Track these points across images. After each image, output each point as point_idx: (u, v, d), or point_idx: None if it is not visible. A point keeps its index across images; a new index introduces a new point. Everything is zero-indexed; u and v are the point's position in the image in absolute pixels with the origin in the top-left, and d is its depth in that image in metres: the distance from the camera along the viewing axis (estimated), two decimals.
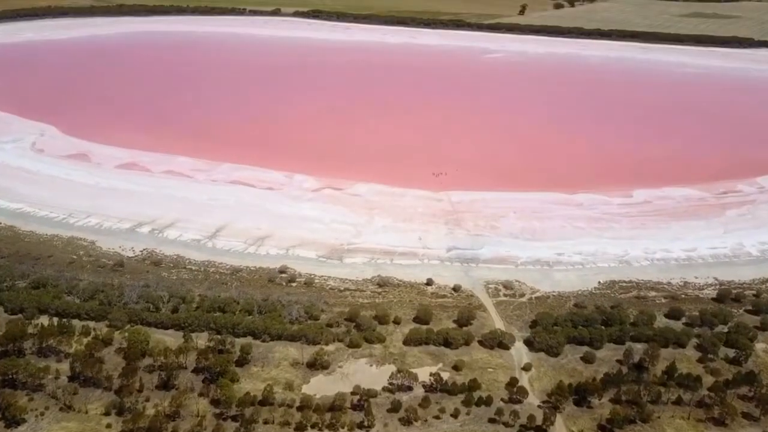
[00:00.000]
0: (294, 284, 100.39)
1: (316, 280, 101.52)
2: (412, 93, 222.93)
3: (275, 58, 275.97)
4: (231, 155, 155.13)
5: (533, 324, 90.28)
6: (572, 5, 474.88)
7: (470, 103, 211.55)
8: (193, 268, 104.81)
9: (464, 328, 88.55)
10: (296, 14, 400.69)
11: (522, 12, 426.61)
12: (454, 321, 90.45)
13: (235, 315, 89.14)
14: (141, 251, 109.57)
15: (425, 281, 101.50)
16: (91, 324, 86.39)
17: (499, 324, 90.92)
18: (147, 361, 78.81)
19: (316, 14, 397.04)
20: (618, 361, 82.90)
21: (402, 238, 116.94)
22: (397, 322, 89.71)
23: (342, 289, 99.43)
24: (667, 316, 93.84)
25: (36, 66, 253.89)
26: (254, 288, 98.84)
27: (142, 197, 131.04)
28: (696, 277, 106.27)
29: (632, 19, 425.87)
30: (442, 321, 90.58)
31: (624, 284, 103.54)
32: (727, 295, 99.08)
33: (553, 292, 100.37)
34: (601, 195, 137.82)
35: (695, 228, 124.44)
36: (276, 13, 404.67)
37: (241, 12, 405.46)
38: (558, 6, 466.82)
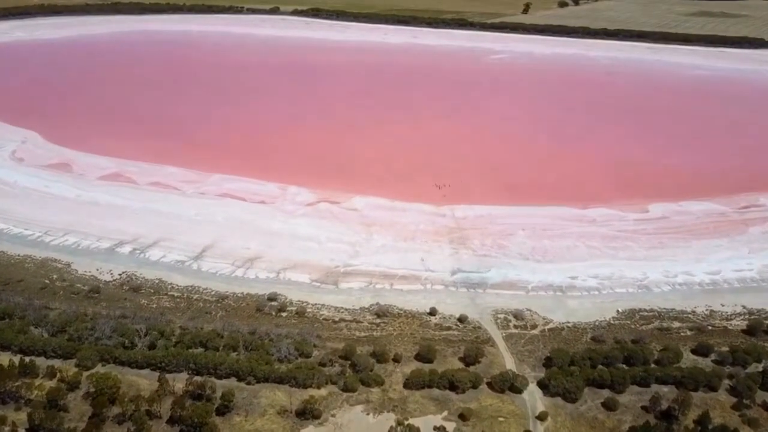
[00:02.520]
0: (284, 314, 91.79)
1: (309, 309, 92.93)
2: (414, 97, 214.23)
3: (271, 59, 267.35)
4: (222, 165, 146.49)
5: (547, 362, 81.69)
6: (577, 3, 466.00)
7: (475, 108, 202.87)
8: (176, 294, 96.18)
9: (471, 368, 79.97)
10: (295, 13, 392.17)
11: (526, 11, 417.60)
12: (461, 358, 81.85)
13: (218, 352, 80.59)
14: (120, 275, 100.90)
15: (428, 310, 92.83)
16: (58, 363, 77.95)
17: (509, 362, 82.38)
18: (116, 409, 70.23)
19: (315, 13, 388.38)
20: (643, 407, 74.35)
21: (403, 259, 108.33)
22: (397, 360, 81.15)
23: (337, 319, 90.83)
24: (694, 352, 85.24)
25: (24, 67, 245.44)
26: (241, 318, 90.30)
27: (124, 212, 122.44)
28: (722, 305, 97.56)
29: (638, 18, 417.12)
30: (447, 359, 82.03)
31: (645, 313, 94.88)
32: (758, 327, 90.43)
33: (568, 322, 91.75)
34: (615, 210, 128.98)
35: (718, 247, 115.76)
36: (274, 11, 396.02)
37: (238, 10, 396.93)
38: (562, 4, 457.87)
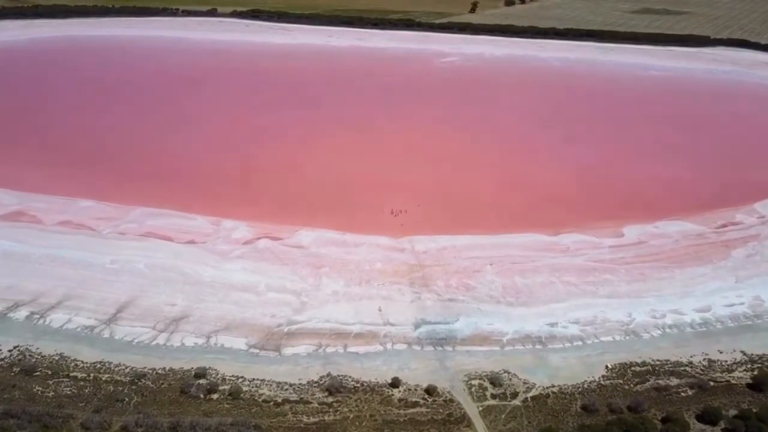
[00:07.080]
0: (215, 396, 75.27)
1: (245, 387, 76.65)
2: (362, 108, 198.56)
3: (206, 66, 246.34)
4: (146, 195, 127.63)
5: None
6: (523, 2, 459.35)
7: (427, 119, 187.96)
8: (80, 375, 78.14)
9: None
10: (234, 14, 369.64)
11: (473, 10, 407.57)
12: None
13: None
14: (10, 351, 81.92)
15: (390, 381, 78.07)
16: None
17: None
18: None
19: (255, 14, 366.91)
20: None
21: (358, 310, 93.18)
22: None
23: (280, 400, 74.93)
24: (700, 419, 73.52)
25: None
26: (161, 405, 73.30)
27: (24, 263, 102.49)
28: (720, 352, 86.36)
29: (585, 16, 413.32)
30: None
31: (637, 368, 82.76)
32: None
33: (552, 387, 78.66)
34: (588, 236, 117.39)
35: (702, 277, 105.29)
36: (212, 13, 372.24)
37: (173, 12, 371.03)
38: (509, 3, 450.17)
